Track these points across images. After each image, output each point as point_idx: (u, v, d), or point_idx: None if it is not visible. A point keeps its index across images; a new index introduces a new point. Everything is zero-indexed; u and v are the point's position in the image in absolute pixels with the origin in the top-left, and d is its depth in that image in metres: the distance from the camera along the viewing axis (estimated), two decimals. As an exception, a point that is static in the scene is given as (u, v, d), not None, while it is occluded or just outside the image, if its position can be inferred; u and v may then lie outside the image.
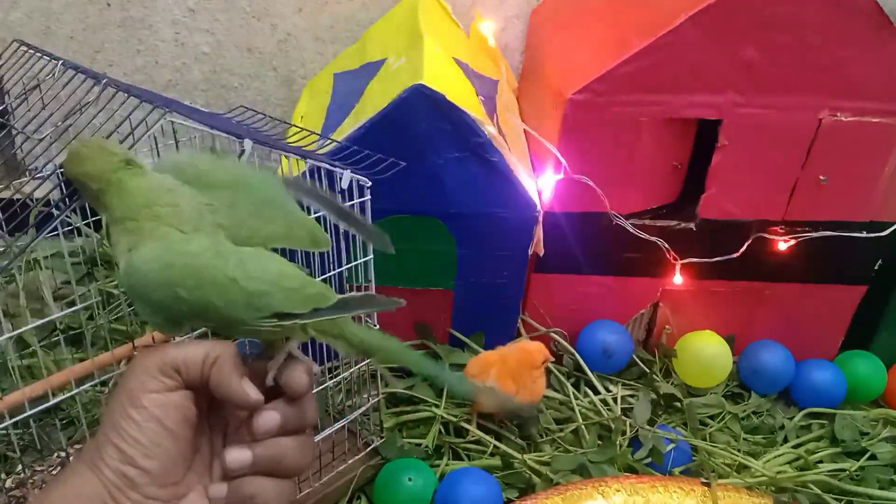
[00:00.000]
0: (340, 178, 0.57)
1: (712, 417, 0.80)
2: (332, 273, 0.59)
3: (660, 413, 0.78)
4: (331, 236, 0.59)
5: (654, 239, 0.78)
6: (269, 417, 0.38)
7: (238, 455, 0.38)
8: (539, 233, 0.77)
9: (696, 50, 0.71)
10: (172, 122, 0.57)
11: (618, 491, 0.62)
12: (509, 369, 0.72)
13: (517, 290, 0.79)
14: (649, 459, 0.70)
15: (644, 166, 0.77)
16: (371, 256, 0.61)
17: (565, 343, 0.82)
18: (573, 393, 0.78)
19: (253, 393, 0.38)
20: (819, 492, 0.70)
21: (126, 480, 0.36)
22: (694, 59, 0.71)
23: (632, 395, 0.80)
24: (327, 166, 0.56)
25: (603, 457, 0.69)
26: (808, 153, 0.76)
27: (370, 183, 0.59)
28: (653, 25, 0.72)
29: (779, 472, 0.70)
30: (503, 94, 0.89)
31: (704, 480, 0.65)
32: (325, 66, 0.96)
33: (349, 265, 0.60)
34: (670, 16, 0.71)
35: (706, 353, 0.83)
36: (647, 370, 0.82)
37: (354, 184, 0.58)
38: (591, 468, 0.68)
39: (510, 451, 0.70)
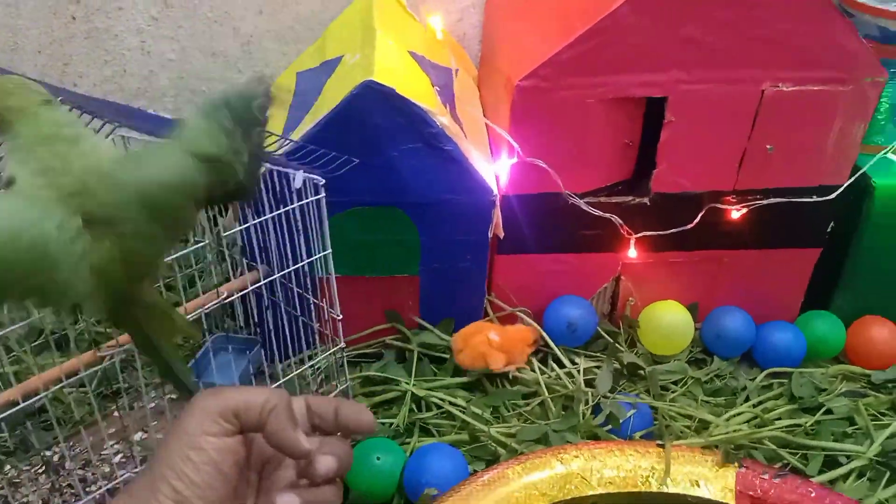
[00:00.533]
0: (294, 179, 0.60)
1: (676, 383, 0.83)
2: (293, 267, 0.62)
3: (623, 382, 0.82)
4: (292, 231, 0.63)
5: (607, 215, 0.81)
6: (328, 463, 0.40)
7: (290, 501, 0.40)
8: (497, 216, 0.80)
9: (637, 31, 0.73)
10: (123, 137, 0.60)
11: (576, 457, 0.66)
12: (506, 333, 0.80)
13: (480, 272, 0.82)
14: (610, 426, 0.74)
15: (596, 146, 0.80)
16: (329, 251, 0.64)
17: (531, 320, 0.85)
18: (539, 367, 0.81)
19: (306, 443, 0.40)
20: (774, 447, 0.73)
21: None
22: (635, 39, 0.74)
23: (597, 367, 0.83)
24: (279, 168, 0.59)
25: (565, 425, 0.72)
26: (754, 124, 0.79)
27: (324, 181, 0.61)
28: (594, 9, 0.74)
29: (735, 430, 0.74)
30: (461, 83, 0.91)
31: (659, 442, 0.68)
32: (288, 65, 0.98)
33: (309, 259, 0.63)
34: (610, -1, 0.73)
35: (668, 321, 0.86)
36: (612, 341, 0.85)
37: (309, 183, 0.61)
38: (554, 437, 0.71)
39: (477, 425, 0.73)
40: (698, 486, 0.65)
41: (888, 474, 0.72)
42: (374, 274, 0.81)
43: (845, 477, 0.71)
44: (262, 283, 0.61)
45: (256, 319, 0.71)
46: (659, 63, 0.75)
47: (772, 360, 0.86)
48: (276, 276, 0.61)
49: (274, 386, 0.65)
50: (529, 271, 0.86)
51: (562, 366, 0.82)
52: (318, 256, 0.63)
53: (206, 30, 0.99)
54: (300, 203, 0.60)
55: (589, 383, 0.80)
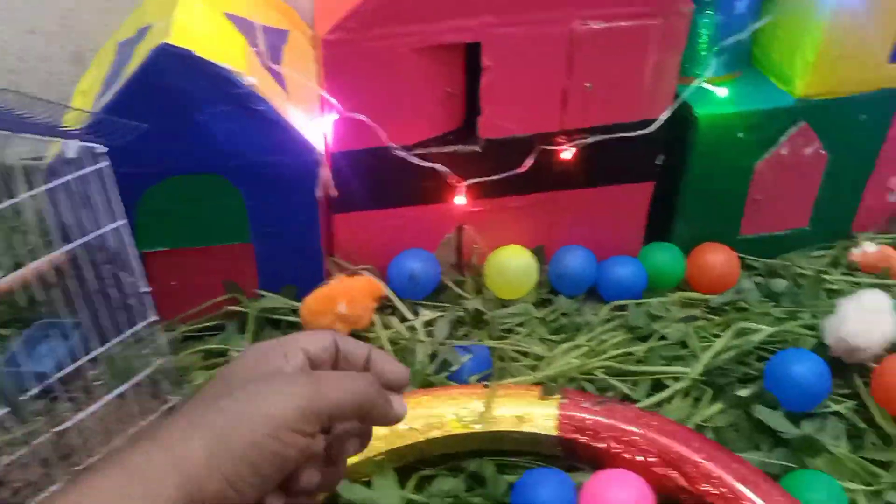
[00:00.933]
0: (67, 149, 0.57)
1: (522, 325, 0.85)
2: (78, 242, 0.60)
3: (468, 329, 0.83)
4: (67, 202, 0.60)
5: (434, 165, 0.81)
6: (355, 445, 0.40)
7: (312, 475, 0.39)
8: (326, 174, 0.79)
9: (440, -24, 0.73)
10: None
11: (399, 405, 0.66)
12: (355, 297, 0.79)
13: (313, 233, 0.81)
14: (447, 373, 0.74)
15: (416, 96, 0.80)
16: (124, 221, 0.62)
17: (374, 277, 0.85)
18: (383, 322, 0.81)
19: (402, 410, 0.41)
20: (606, 377, 0.75)
21: (218, 500, 0.34)
22: (439, -15, 0.73)
23: (442, 317, 0.83)
24: (47, 138, 0.57)
25: (399, 377, 0.73)
26: (571, 64, 0.80)
27: (105, 149, 0.59)
28: (396, -43, 0.73)
29: (567, 364, 0.76)
30: (292, 44, 0.89)
31: (485, 383, 0.69)
32: (110, 36, 0.94)
33: (97, 232, 0.61)
34: (409, -55, 0.72)
35: (511, 266, 0.87)
36: (458, 290, 0.86)
37: (87, 152, 0.58)
38: (387, 389, 0.71)
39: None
40: (524, 421, 0.67)
41: (711, 393, 0.75)
42: (204, 245, 0.80)
43: (671, 399, 0.74)
44: (43, 260, 0.59)
45: (73, 302, 0.69)
46: (468, 8, 0.75)
47: (615, 294, 0.88)
48: (61, 250, 0.59)
49: (89, 358, 0.63)
50: (369, 228, 0.85)
51: (405, 319, 0.83)
52: (109, 228, 0.60)
53: (21, 6, 0.94)
54: (79, 173, 0.58)
55: (432, 334, 0.81)
